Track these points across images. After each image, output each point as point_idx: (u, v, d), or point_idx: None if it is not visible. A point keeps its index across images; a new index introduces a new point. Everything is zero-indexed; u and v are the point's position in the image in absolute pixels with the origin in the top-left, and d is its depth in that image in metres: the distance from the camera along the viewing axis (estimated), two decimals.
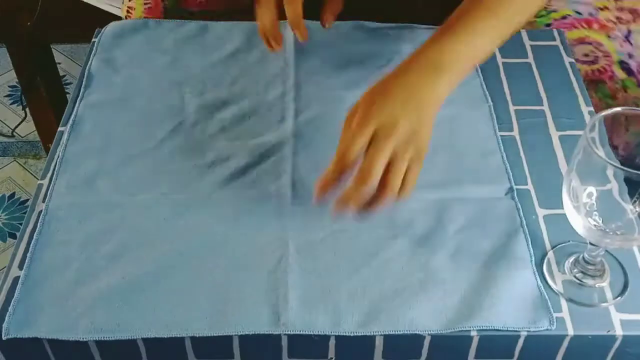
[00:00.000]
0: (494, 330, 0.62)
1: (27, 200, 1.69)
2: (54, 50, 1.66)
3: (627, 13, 0.91)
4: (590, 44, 0.93)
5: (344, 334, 0.62)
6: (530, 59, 0.90)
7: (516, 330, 0.63)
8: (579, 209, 0.61)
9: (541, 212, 0.73)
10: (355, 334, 0.62)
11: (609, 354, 0.65)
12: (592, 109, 0.83)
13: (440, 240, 0.69)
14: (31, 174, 1.76)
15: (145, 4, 1.03)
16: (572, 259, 0.68)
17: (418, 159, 0.65)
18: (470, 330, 0.63)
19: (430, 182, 0.73)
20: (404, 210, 0.71)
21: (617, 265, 0.68)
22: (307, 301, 0.64)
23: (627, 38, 0.92)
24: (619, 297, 0.66)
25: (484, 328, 0.62)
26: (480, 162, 0.76)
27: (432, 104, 0.67)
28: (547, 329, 0.63)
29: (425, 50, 0.70)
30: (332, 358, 0.65)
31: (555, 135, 0.81)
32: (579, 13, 0.93)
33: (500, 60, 0.90)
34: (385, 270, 0.66)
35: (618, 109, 0.61)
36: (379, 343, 0.64)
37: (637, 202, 0.60)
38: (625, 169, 0.56)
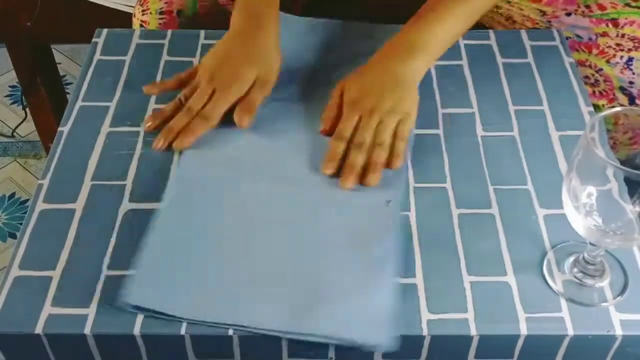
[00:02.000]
0: (323, 338, 0.62)
1: (27, 200, 1.69)
2: (54, 50, 1.66)
3: (628, 40, 0.91)
4: (590, 67, 0.93)
5: (174, 315, 0.63)
6: (530, 59, 0.90)
7: (346, 341, 0.62)
8: (579, 209, 0.61)
9: (541, 212, 0.73)
10: (182, 319, 0.63)
11: (609, 354, 0.65)
12: (592, 109, 0.83)
13: (302, 240, 0.69)
14: (31, 174, 1.76)
15: (159, 18, 1.03)
16: (572, 259, 0.68)
17: (408, 118, 0.78)
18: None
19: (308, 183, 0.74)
20: (275, 209, 0.72)
21: (617, 265, 0.68)
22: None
23: (627, 65, 0.92)
24: (619, 297, 0.66)
25: (311, 334, 0.62)
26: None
27: (411, 80, 0.80)
28: (382, 347, 0.62)
29: (403, 33, 0.83)
30: (332, 358, 0.65)
31: (555, 135, 0.81)
32: (579, 37, 0.93)
33: (500, 60, 0.90)
34: (231, 265, 0.67)
35: (618, 108, 0.61)
36: None
37: (637, 202, 0.60)
38: (625, 168, 0.56)
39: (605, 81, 0.93)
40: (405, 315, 0.64)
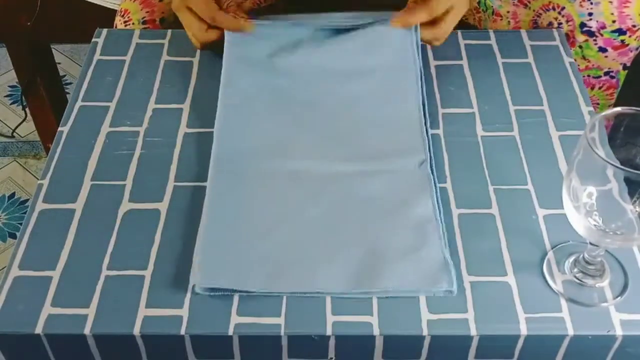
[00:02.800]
0: (393, 293, 0.65)
1: (27, 200, 1.69)
2: (54, 50, 1.66)
3: None
4: (553, 9, 0.94)
5: (249, 290, 0.65)
6: (530, 59, 0.90)
7: (413, 291, 0.65)
8: (579, 209, 0.61)
9: (541, 212, 0.73)
10: (259, 293, 0.65)
11: (609, 354, 0.65)
12: (592, 108, 0.83)
13: (349, 207, 0.72)
14: (31, 174, 1.76)
15: (142, 28, 1.02)
16: (572, 259, 0.68)
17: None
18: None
19: (343, 155, 0.76)
20: (315, 181, 0.74)
21: (617, 265, 0.68)
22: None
23: None
24: (619, 297, 0.66)
25: (382, 290, 0.65)
26: (399, 134, 0.79)
27: None
28: (448, 291, 0.65)
29: None
30: (332, 358, 0.65)
31: (555, 135, 0.81)
32: None
33: (500, 60, 0.90)
34: (293, 235, 0.69)
35: (618, 109, 0.61)
36: (379, 343, 0.64)
37: (637, 202, 0.60)
38: (626, 168, 0.56)
39: (567, 21, 0.95)
40: (405, 315, 0.64)
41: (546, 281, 0.67)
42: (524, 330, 0.63)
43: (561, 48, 0.91)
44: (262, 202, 0.73)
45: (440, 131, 0.81)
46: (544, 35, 0.94)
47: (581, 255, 0.67)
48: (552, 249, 0.70)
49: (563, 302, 0.65)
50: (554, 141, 0.80)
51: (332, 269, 0.67)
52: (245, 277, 0.66)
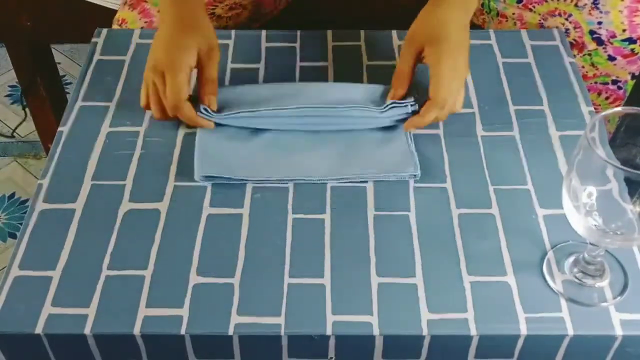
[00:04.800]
0: (369, 177, 0.75)
1: (27, 200, 1.69)
2: (54, 50, 1.66)
3: None
4: (560, 15, 0.94)
5: (241, 177, 0.76)
6: (531, 58, 0.90)
7: (385, 176, 0.75)
8: (579, 209, 0.61)
9: (541, 212, 0.73)
10: (250, 180, 0.75)
11: (609, 354, 0.65)
12: (592, 108, 0.83)
13: (330, 116, 0.80)
14: (31, 174, 1.76)
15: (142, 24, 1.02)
16: (572, 259, 0.68)
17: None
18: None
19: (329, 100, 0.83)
20: (301, 100, 0.82)
21: (617, 265, 0.68)
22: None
23: (595, 4, 0.93)
24: (619, 297, 0.66)
25: (357, 175, 0.76)
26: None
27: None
28: (413, 175, 0.75)
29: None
30: (332, 358, 0.65)
31: (555, 135, 0.81)
32: None
33: (500, 60, 0.90)
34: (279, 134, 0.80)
35: (618, 109, 0.61)
36: (378, 343, 0.64)
37: (637, 202, 0.60)
38: (626, 168, 0.56)
39: (575, 28, 0.94)
40: (405, 315, 0.64)
41: (546, 281, 0.67)
42: (524, 330, 0.63)
43: (561, 48, 0.91)
44: (252, 113, 0.80)
45: (440, 131, 0.81)
46: (544, 35, 0.94)
47: (581, 255, 0.67)
48: (552, 248, 0.70)
49: (563, 302, 0.65)
50: (553, 141, 0.80)
51: (315, 160, 0.77)
52: (237, 167, 0.76)
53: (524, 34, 0.94)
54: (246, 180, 0.75)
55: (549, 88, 0.86)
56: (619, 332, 0.63)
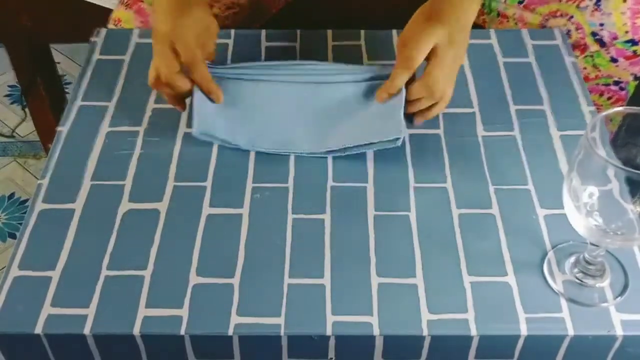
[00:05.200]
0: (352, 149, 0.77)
1: (27, 200, 1.69)
2: (53, 50, 1.66)
3: None
4: (561, 16, 0.94)
5: (238, 144, 0.79)
6: (531, 58, 0.90)
7: (372, 143, 0.77)
8: (580, 209, 0.61)
9: (542, 212, 0.73)
10: (244, 148, 0.79)
11: (609, 354, 0.65)
12: (593, 108, 0.83)
13: (322, 90, 0.83)
14: (31, 174, 1.76)
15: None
16: (572, 259, 0.68)
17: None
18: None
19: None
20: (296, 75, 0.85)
21: (618, 265, 0.68)
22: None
23: (597, 6, 0.93)
24: (619, 297, 0.66)
25: (341, 148, 0.78)
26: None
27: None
28: (397, 138, 0.75)
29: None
30: (332, 358, 0.65)
31: (556, 135, 0.81)
32: None
33: (500, 60, 0.90)
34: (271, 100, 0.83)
35: (619, 108, 0.61)
36: (379, 343, 0.64)
37: (638, 202, 0.60)
38: (626, 169, 0.56)
39: (577, 29, 0.94)
40: (405, 315, 0.64)
41: (546, 281, 0.67)
42: (524, 331, 0.63)
43: (562, 47, 0.91)
44: (248, 83, 0.83)
45: (440, 131, 0.81)
46: (545, 34, 0.94)
47: (581, 255, 0.67)
48: (552, 249, 0.69)
49: (563, 302, 0.65)
50: (554, 141, 0.80)
51: (304, 133, 0.80)
52: (234, 132, 0.79)
53: (524, 33, 0.94)
54: (239, 147, 0.79)
55: (550, 88, 0.86)
56: (619, 332, 0.63)
